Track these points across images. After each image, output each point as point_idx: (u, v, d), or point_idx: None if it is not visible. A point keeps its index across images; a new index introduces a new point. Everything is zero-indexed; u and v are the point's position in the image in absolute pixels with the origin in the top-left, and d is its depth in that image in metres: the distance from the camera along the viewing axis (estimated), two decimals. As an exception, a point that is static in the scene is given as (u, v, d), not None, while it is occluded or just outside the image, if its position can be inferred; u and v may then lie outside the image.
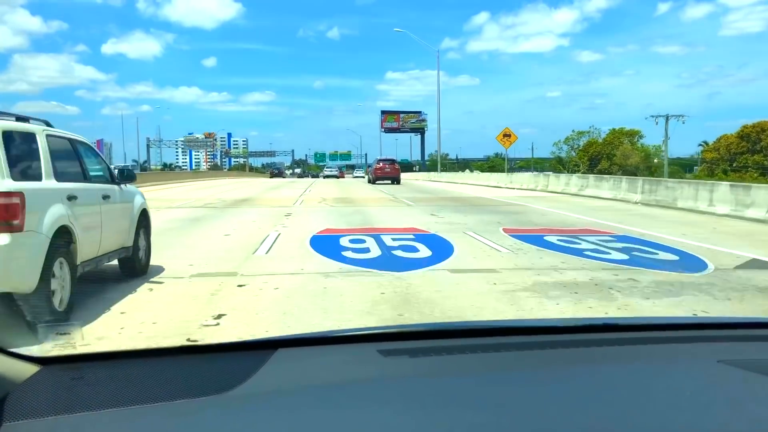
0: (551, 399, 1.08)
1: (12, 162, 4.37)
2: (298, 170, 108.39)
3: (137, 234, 6.46)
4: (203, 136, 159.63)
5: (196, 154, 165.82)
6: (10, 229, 4.17)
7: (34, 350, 1.16)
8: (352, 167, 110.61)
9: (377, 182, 36.70)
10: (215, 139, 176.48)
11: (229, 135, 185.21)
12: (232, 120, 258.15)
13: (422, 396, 1.08)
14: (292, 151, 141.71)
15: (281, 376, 1.16)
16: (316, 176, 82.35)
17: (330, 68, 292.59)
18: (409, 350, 1.32)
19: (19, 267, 4.23)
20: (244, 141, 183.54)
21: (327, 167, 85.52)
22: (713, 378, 1.21)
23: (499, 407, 1.04)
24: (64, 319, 4.45)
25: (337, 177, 63.74)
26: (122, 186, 6.30)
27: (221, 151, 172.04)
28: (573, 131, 79.36)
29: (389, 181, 36.47)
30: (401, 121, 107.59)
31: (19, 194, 4.26)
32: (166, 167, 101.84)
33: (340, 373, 1.21)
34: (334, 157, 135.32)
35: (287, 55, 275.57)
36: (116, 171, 6.32)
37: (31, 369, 1.10)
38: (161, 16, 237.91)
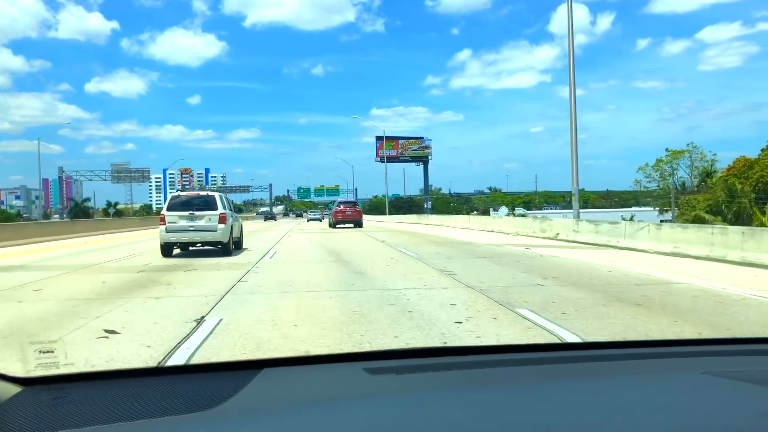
0: (537, 412, 1.09)
1: (222, 204, 14.53)
2: (279, 208, 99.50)
3: (240, 233, 16.63)
4: (178, 172, 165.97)
5: (172, 190, 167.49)
6: (224, 223, 14.30)
7: (18, 371, 1.19)
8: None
9: (338, 226, 33.04)
10: (191, 175, 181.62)
11: (207, 170, 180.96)
12: (217, 157, 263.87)
13: (407, 410, 1.09)
14: (270, 185, 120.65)
15: (267, 393, 1.17)
16: (301, 215, 75.66)
17: (315, 105, 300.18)
18: (394, 368, 1.36)
19: (224, 235, 14.37)
20: (222, 176, 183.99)
21: (311, 210, 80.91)
22: (698, 387, 1.25)
23: (484, 419, 1.04)
24: (230, 254, 14.36)
25: (320, 220, 58.30)
26: (236, 214, 16.47)
27: (197, 187, 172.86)
28: (667, 150, 58.23)
29: (351, 225, 33.26)
30: (400, 149, 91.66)
31: (225, 213, 14.44)
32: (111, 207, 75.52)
33: (327, 390, 1.23)
34: (320, 192, 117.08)
35: (272, 92, 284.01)
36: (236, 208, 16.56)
37: (14, 389, 1.11)
38: (145, 54, 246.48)
